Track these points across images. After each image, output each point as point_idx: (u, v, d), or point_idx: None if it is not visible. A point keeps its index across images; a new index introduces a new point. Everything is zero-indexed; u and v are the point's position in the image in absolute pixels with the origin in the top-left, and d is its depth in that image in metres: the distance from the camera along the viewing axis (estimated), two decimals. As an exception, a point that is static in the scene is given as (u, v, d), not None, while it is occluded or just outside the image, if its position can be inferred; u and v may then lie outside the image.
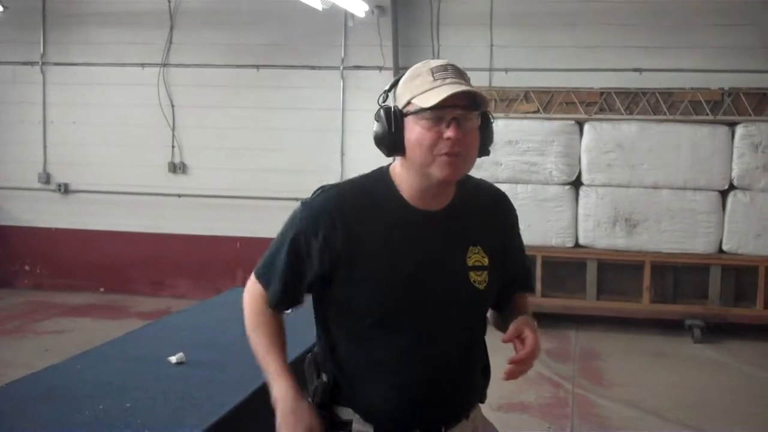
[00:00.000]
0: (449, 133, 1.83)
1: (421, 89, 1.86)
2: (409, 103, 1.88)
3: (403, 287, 1.90)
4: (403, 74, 1.95)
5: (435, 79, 1.85)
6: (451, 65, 1.89)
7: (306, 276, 1.94)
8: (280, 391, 1.93)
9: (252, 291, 2.05)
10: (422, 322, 1.92)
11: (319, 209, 1.92)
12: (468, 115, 1.86)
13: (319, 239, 1.89)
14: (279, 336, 2.03)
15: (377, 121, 1.91)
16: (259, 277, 2.04)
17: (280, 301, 2.00)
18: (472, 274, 1.96)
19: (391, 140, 1.89)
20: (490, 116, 1.97)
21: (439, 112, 1.83)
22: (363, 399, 1.94)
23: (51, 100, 9.03)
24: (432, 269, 1.92)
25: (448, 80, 1.85)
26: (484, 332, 2.07)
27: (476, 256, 1.97)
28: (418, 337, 1.92)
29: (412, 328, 1.92)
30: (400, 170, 1.95)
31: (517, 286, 2.13)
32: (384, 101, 1.96)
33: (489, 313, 2.11)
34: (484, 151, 1.95)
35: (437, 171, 1.85)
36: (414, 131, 1.86)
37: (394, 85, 1.96)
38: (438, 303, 1.92)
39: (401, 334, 1.91)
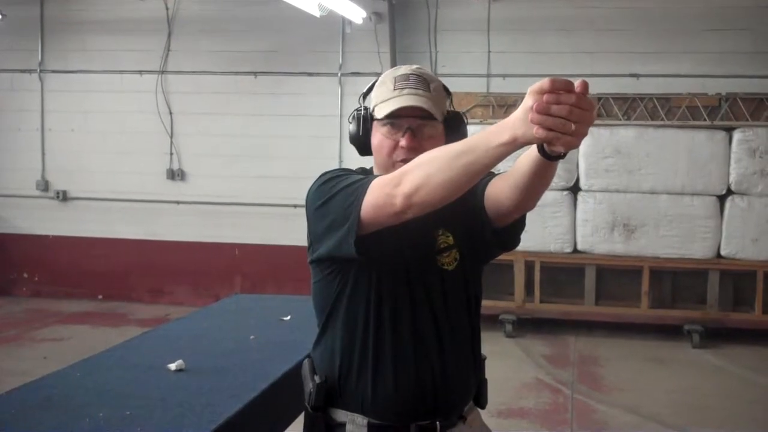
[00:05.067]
0: (403, 142, 1.93)
1: (383, 98, 1.97)
2: (374, 108, 2.00)
3: (386, 280, 1.96)
4: (379, 78, 2.05)
5: (395, 89, 1.95)
6: (415, 74, 1.98)
7: None
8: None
9: (372, 191, 1.77)
10: (408, 313, 1.97)
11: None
12: (427, 123, 1.94)
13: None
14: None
15: (349, 122, 2.05)
16: (358, 188, 1.81)
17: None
18: (439, 257, 2.02)
19: (360, 142, 2.03)
20: (464, 118, 2.05)
21: (396, 121, 1.94)
22: (355, 394, 1.98)
23: (49, 108, 9.04)
24: (407, 261, 1.97)
25: (405, 91, 1.94)
26: (473, 321, 2.09)
27: (441, 238, 2.03)
28: (405, 327, 1.97)
29: (399, 318, 1.97)
30: (375, 170, 2.04)
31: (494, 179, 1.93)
32: (362, 102, 2.07)
33: (505, 186, 1.84)
34: None
35: None
36: (376, 137, 1.99)
37: (371, 88, 2.06)
38: (417, 293, 1.98)
39: (390, 324, 1.96)
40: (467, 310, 2.06)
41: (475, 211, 1.94)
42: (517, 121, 1.50)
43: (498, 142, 1.53)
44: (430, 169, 1.66)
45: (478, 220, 1.95)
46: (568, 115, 1.44)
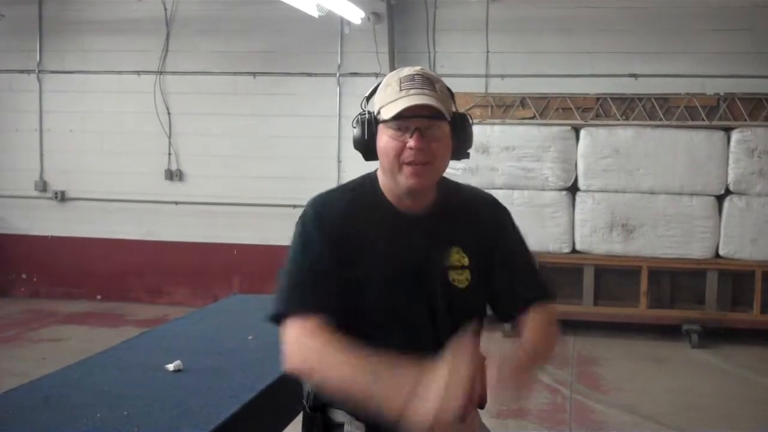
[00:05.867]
0: (411, 142, 1.90)
1: (389, 99, 1.94)
2: (379, 111, 1.97)
3: (389, 288, 1.95)
4: (382, 81, 2.03)
5: (401, 90, 1.93)
6: (420, 75, 1.96)
7: (331, 272, 1.92)
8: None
9: (291, 334, 1.88)
10: (409, 322, 1.97)
11: (319, 212, 2.01)
12: (434, 123, 1.92)
13: (325, 237, 1.96)
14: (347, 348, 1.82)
15: (354, 126, 2.02)
16: (290, 310, 1.91)
17: (322, 303, 1.90)
18: (451, 273, 2.00)
19: (365, 146, 2.00)
20: (468, 119, 2.03)
21: (402, 122, 1.92)
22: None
23: (47, 108, 9.03)
24: (413, 270, 1.97)
25: (412, 91, 1.92)
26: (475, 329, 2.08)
27: (456, 256, 2.02)
28: (405, 336, 1.96)
29: (400, 327, 1.96)
30: (380, 174, 2.02)
31: (523, 293, 2.05)
32: (365, 106, 2.05)
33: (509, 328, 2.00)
34: (460, 154, 2.02)
35: (403, 179, 1.92)
36: (382, 140, 1.95)
37: (374, 92, 2.03)
38: (421, 303, 1.97)
39: (390, 333, 1.95)
40: (470, 322, 2.06)
41: (500, 262, 2.04)
42: (414, 401, 1.61)
43: (388, 404, 1.66)
44: (329, 374, 1.80)
45: (496, 269, 2.04)
46: None
